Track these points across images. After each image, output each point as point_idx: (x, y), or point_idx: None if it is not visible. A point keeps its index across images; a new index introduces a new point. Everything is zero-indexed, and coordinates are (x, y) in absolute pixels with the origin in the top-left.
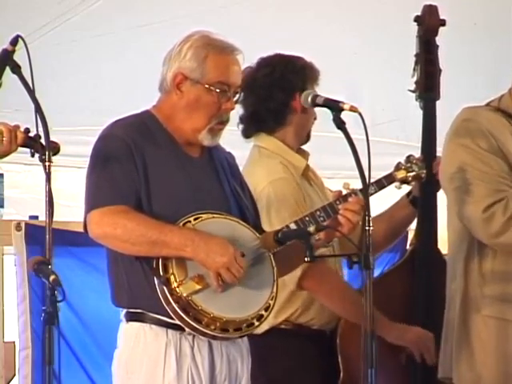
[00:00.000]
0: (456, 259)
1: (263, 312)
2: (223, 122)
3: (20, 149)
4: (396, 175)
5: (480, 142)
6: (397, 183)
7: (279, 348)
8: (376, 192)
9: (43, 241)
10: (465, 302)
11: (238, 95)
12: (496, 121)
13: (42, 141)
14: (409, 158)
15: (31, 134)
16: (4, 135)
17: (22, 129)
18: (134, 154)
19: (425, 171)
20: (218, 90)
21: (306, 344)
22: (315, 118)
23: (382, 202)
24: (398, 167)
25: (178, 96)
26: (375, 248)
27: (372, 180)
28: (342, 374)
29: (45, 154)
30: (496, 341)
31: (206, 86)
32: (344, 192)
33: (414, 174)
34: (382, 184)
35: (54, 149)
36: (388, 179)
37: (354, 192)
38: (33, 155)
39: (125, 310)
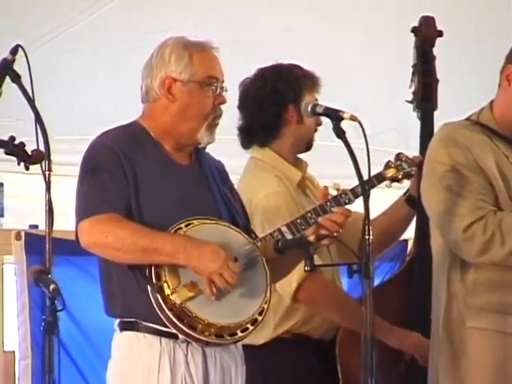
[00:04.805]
0: (440, 270)
1: (257, 316)
2: (219, 117)
3: None
4: (386, 174)
5: (458, 158)
6: (387, 182)
7: (279, 357)
8: None
9: (43, 250)
10: (449, 313)
11: (225, 91)
12: (475, 138)
13: (28, 149)
14: (398, 156)
15: (16, 142)
16: None
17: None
18: (124, 163)
19: (415, 168)
20: (209, 85)
21: (305, 353)
22: (319, 124)
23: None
24: (387, 166)
25: (170, 100)
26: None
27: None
28: (341, 383)
29: (31, 164)
30: (484, 352)
31: (198, 82)
32: (334, 193)
33: (403, 171)
34: (372, 183)
35: (38, 157)
36: (378, 178)
37: (344, 192)
38: (19, 163)
39: (118, 320)
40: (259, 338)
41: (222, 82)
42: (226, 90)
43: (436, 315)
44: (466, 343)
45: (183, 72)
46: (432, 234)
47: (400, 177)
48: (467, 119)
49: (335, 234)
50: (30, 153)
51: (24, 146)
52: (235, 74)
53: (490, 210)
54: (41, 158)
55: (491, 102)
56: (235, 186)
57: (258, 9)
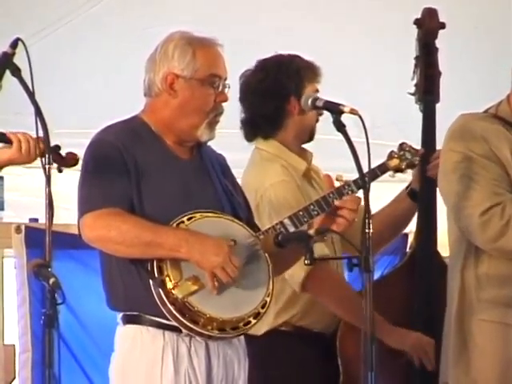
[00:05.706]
0: (455, 261)
1: (260, 310)
2: (220, 114)
3: None
4: (389, 164)
5: (474, 147)
6: (390, 172)
7: (279, 350)
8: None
9: (43, 243)
10: (461, 305)
11: (227, 89)
12: (491, 128)
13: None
14: (401, 146)
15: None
16: (22, 145)
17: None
18: (125, 157)
19: (418, 158)
20: (211, 82)
21: (306, 346)
22: (321, 114)
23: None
24: (390, 156)
25: (171, 96)
26: (374, 245)
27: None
28: (341, 377)
29: (64, 166)
30: (492, 345)
31: (200, 80)
32: (337, 184)
33: (407, 161)
34: (375, 174)
35: (72, 160)
36: (381, 169)
37: (347, 184)
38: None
39: (121, 313)
40: (260, 327)
41: (225, 79)
42: (229, 87)
43: (449, 306)
44: (474, 335)
45: (186, 68)
46: (448, 226)
47: (403, 167)
48: (485, 112)
49: (334, 227)
50: (63, 155)
51: (59, 148)
52: (235, 73)
53: (509, 197)
54: (75, 160)
55: (508, 96)
56: (239, 179)
57: (258, 9)
